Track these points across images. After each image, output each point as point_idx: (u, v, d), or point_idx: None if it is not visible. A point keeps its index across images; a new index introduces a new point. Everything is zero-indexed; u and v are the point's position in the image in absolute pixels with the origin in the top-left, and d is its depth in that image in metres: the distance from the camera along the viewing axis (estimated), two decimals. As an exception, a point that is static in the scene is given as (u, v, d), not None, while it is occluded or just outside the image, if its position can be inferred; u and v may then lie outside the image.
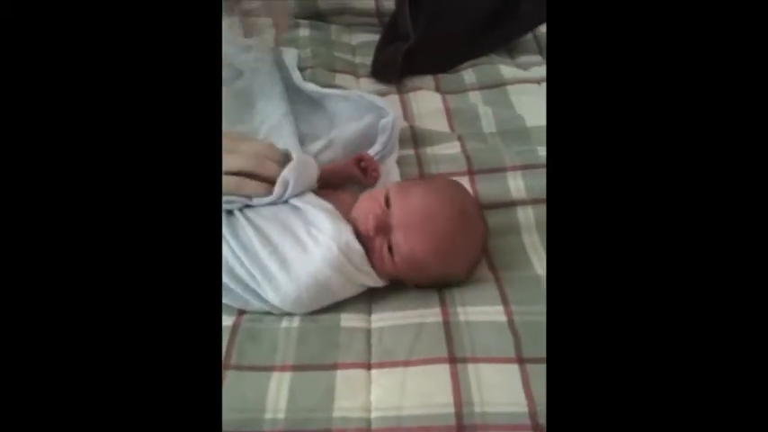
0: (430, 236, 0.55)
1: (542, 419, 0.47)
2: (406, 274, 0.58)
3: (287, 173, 0.60)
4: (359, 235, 0.57)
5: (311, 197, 0.61)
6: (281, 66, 0.85)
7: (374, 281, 0.58)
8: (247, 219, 0.58)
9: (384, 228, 0.56)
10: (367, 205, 0.58)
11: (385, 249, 0.56)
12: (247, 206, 0.60)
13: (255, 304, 0.57)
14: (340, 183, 0.68)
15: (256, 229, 0.57)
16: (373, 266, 0.57)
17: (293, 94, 0.81)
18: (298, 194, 0.61)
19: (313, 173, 0.63)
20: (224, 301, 0.57)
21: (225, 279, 0.56)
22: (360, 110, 0.76)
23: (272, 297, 0.56)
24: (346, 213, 0.60)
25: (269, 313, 0.57)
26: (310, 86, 0.81)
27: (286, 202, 0.61)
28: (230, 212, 0.59)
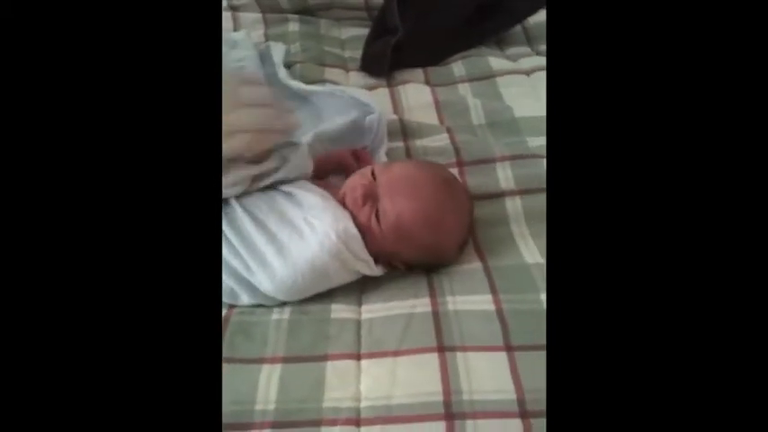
0: (416, 200, 0.57)
1: (530, 406, 0.48)
2: (396, 246, 0.58)
3: (288, 151, 0.60)
4: (355, 221, 0.58)
5: (306, 184, 0.61)
6: (265, 62, 0.85)
7: (370, 269, 0.58)
8: (244, 207, 0.58)
9: (371, 195, 0.57)
10: (354, 180, 0.60)
11: (373, 218, 0.57)
12: (243, 193, 0.60)
13: (245, 299, 0.57)
14: (332, 170, 0.69)
15: (253, 217, 0.58)
16: (370, 252, 0.57)
17: (279, 90, 0.81)
18: (292, 182, 0.61)
19: (309, 163, 0.64)
20: None
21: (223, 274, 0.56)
22: (346, 106, 0.76)
23: (266, 285, 0.56)
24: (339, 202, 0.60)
25: (260, 305, 0.58)
26: (296, 84, 0.81)
27: (278, 188, 0.61)
28: (226, 202, 0.59)
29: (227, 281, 0.57)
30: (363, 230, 0.57)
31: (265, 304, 0.58)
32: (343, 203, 0.59)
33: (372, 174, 0.59)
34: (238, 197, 0.60)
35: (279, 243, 0.56)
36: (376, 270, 0.58)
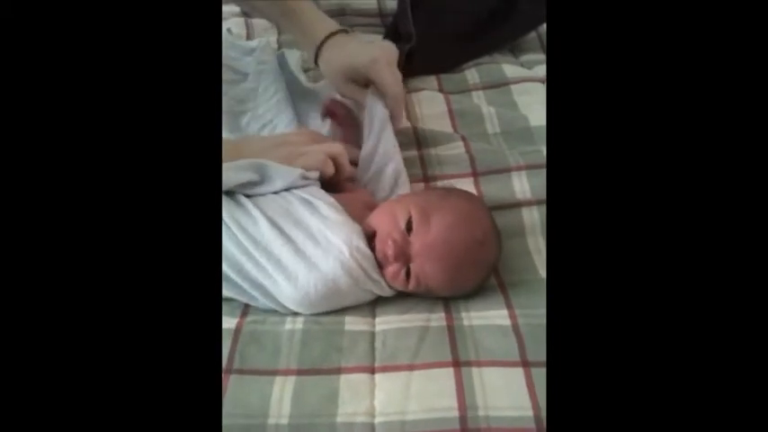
0: (447, 271, 0.56)
1: (547, 423, 0.47)
2: (416, 292, 0.58)
3: None
4: (368, 239, 0.57)
5: (319, 191, 0.61)
6: (284, 68, 0.85)
7: (381, 290, 0.58)
8: (260, 210, 0.58)
9: (404, 256, 0.56)
10: (387, 224, 0.58)
11: (402, 274, 0.56)
12: (257, 195, 0.60)
13: (261, 301, 0.57)
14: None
15: (269, 220, 0.57)
16: (382, 275, 0.57)
17: (296, 94, 0.81)
18: (304, 187, 0.61)
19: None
20: (230, 294, 0.57)
21: (233, 275, 0.56)
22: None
23: (282, 288, 0.55)
24: (354, 212, 0.60)
25: (273, 313, 0.57)
26: (318, 86, 0.81)
27: (293, 192, 0.60)
28: (239, 204, 0.59)
29: (242, 283, 0.56)
30: (383, 266, 0.57)
31: (279, 311, 0.57)
32: (364, 229, 0.58)
33: (409, 222, 0.57)
34: (253, 199, 0.59)
35: (295, 246, 0.56)
36: (388, 291, 0.58)
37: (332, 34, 0.72)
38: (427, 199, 0.59)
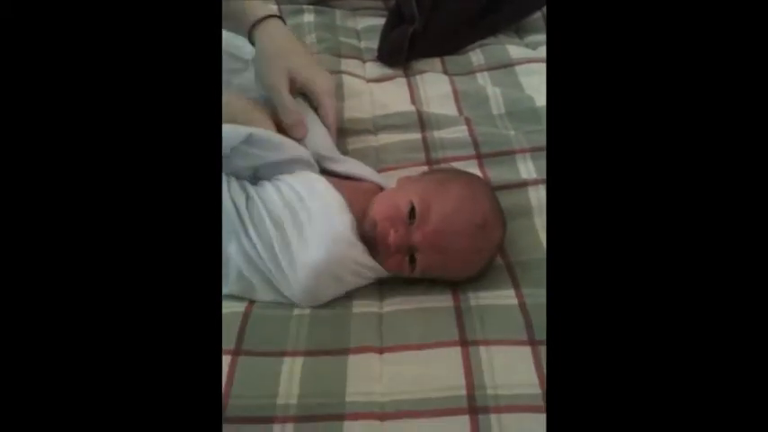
0: (450, 259, 0.56)
1: (555, 401, 0.47)
2: (419, 277, 0.58)
3: None
4: (371, 227, 0.57)
5: (315, 177, 0.61)
6: None
7: (378, 272, 0.58)
8: (263, 203, 0.58)
9: (406, 246, 0.56)
10: (389, 214, 0.57)
11: (406, 262, 0.56)
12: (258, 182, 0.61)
13: (265, 295, 0.57)
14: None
15: (271, 216, 0.57)
16: (375, 258, 0.57)
17: None
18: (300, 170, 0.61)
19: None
20: (232, 291, 0.57)
21: (246, 270, 0.57)
22: None
23: (283, 288, 0.56)
24: (356, 200, 0.60)
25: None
26: None
27: (286, 181, 0.60)
28: (249, 197, 0.59)
29: (251, 277, 0.57)
30: (384, 256, 0.57)
31: (284, 302, 0.57)
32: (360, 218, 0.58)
33: (412, 212, 0.56)
34: (256, 187, 0.60)
35: (291, 247, 0.56)
36: (384, 273, 0.58)
37: (267, 17, 0.69)
38: (427, 187, 0.58)
